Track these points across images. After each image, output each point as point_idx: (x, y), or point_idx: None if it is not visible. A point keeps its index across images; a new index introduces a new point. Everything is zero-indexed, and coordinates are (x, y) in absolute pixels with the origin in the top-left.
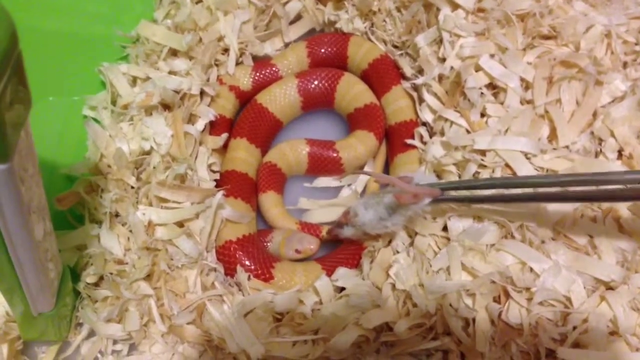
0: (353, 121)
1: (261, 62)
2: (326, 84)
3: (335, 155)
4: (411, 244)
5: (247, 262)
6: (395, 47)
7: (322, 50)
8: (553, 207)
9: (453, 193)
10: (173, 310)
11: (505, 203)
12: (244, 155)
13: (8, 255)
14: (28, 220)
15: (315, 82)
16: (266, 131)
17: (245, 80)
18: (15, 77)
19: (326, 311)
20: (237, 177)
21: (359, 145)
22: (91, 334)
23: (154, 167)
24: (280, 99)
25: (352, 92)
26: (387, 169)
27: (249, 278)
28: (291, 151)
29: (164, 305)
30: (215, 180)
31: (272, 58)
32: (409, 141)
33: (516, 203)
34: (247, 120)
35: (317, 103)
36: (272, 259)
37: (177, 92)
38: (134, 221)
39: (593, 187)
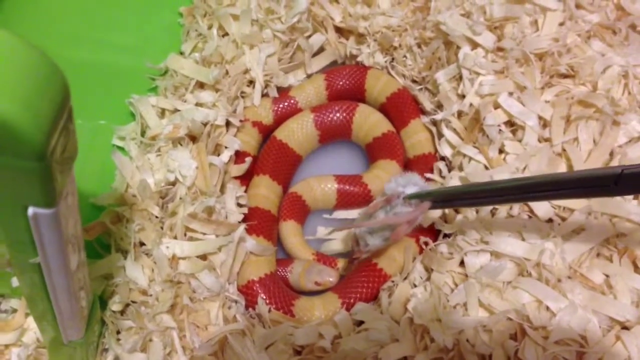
0: (373, 151)
1: (280, 95)
2: (342, 116)
3: (363, 189)
4: (428, 278)
5: (269, 302)
6: (415, 82)
7: (341, 83)
8: (570, 245)
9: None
10: (194, 344)
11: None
12: (265, 192)
13: (44, 284)
14: (66, 252)
15: (331, 115)
16: (287, 167)
17: (266, 115)
18: (66, 130)
19: (346, 345)
20: (260, 214)
21: (385, 175)
22: (117, 359)
23: (180, 198)
24: (298, 134)
25: (369, 122)
26: None
27: (269, 310)
28: (319, 186)
29: (185, 337)
30: (244, 214)
31: (289, 90)
32: (428, 175)
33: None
34: (269, 157)
35: (335, 135)
36: (291, 296)
37: (204, 124)
38: (158, 255)
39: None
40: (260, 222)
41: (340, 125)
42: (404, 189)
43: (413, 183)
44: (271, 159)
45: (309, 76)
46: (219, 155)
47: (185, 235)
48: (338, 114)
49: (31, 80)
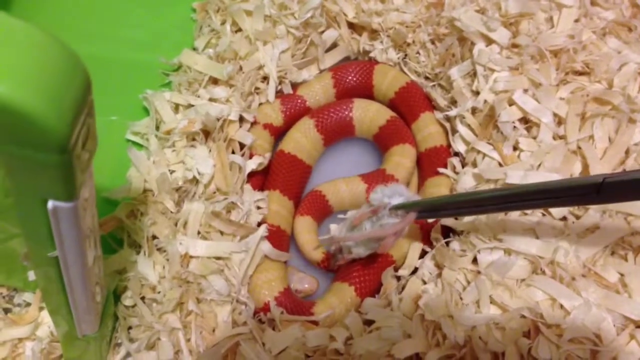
0: (382, 140)
1: (287, 95)
2: (342, 115)
3: (391, 181)
4: (439, 275)
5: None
6: (428, 78)
7: (348, 80)
8: (584, 244)
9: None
10: (199, 348)
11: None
12: (276, 208)
13: (60, 278)
14: (84, 247)
15: (331, 117)
16: (299, 180)
17: (276, 117)
18: (87, 124)
19: (359, 348)
20: (270, 231)
21: (405, 160)
22: (128, 354)
23: (199, 197)
24: (304, 142)
25: (370, 113)
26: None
27: (281, 312)
28: (347, 188)
29: (190, 340)
30: (263, 214)
31: (296, 89)
32: (442, 170)
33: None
34: (280, 171)
35: (338, 135)
36: (308, 305)
37: (217, 119)
38: (172, 251)
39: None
40: (270, 238)
41: (342, 124)
42: (390, 199)
43: (399, 193)
44: (282, 173)
45: (321, 72)
46: (233, 152)
47: (198, 233)
48: (338, 114)
49: (54, 72)
